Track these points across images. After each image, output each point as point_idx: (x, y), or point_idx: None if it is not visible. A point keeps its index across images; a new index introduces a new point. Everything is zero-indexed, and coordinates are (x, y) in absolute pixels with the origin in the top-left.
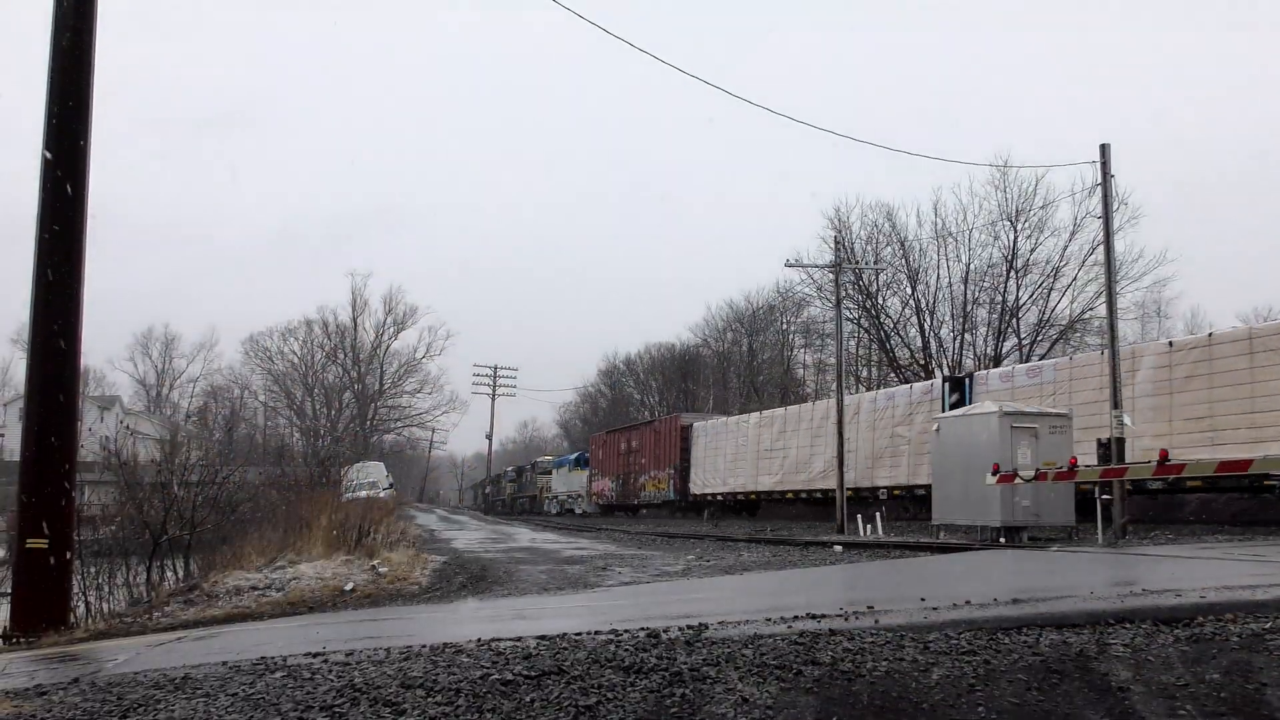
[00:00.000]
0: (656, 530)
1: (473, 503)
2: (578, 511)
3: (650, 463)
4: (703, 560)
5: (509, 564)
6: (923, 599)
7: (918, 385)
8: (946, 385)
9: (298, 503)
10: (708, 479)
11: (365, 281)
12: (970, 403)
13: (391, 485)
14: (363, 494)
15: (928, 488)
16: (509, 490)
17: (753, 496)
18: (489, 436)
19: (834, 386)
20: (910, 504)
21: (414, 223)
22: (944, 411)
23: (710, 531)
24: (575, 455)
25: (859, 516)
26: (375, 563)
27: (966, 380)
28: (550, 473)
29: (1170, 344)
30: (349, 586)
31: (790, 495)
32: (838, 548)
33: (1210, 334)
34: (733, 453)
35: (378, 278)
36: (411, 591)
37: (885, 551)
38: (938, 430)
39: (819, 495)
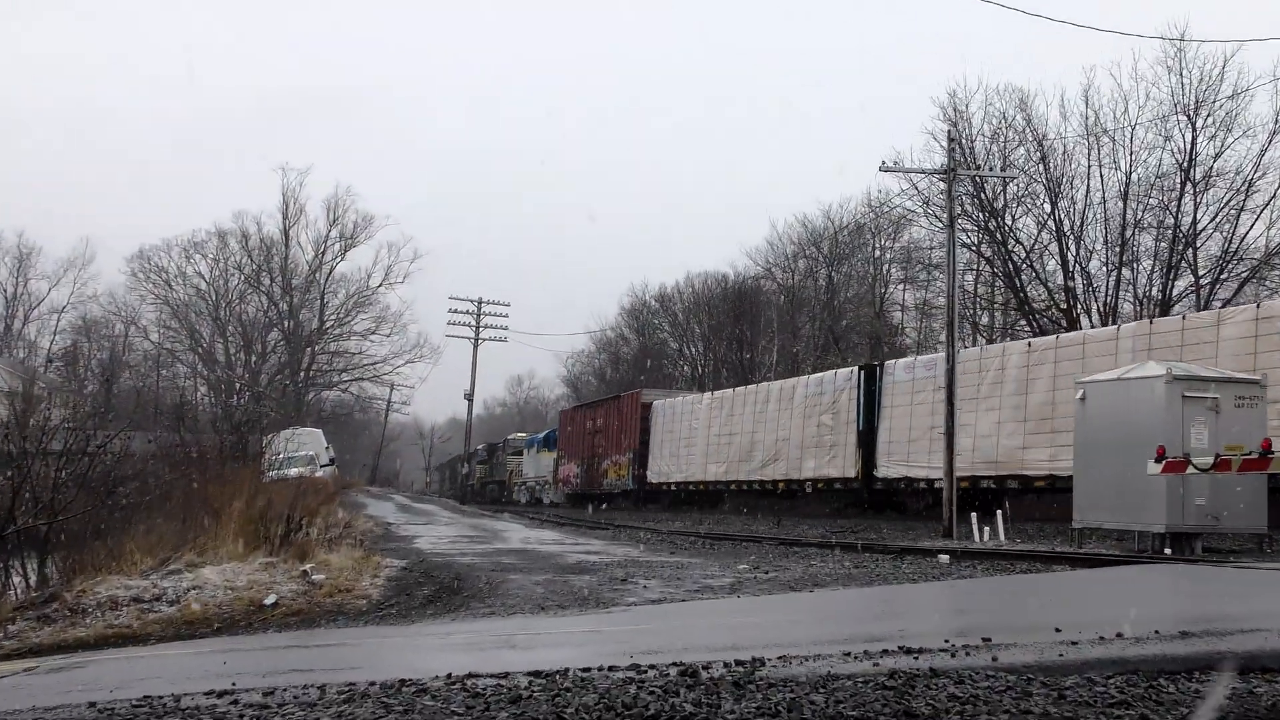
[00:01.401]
0: (695, 529)
1: (443, 486)
2: (545, 501)
3: (613, 445)
4: (759, 571)
5: (493, 572)
6: (1057, 629)
7: (841, 371)
8: (862, 374)
9: (202, 483)
10: (664, 466)
11: (301, 180)
12: (880, 394)
13: (333, 461)
14: (293, 472)
15: (846, 480)
16: (479, 473)
17: (702, 487)
18: (468, 397)
19: (943, 336)
20: (831, 497)
21: (372, 111)
22: (858, 403)
23: (770, 533)
24: (544, 434)
25: (973, 516)
26: (308, 567)
27: (878, 369)
28: (521, 453)
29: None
30: (271, 600)
31: (734, 487)
32: (944, 557)
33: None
34: (686, 437)
35: (319, 176)
36: (358, 608)
37: (1008, 564)
38: (1082, 398)
39: (759, 487)
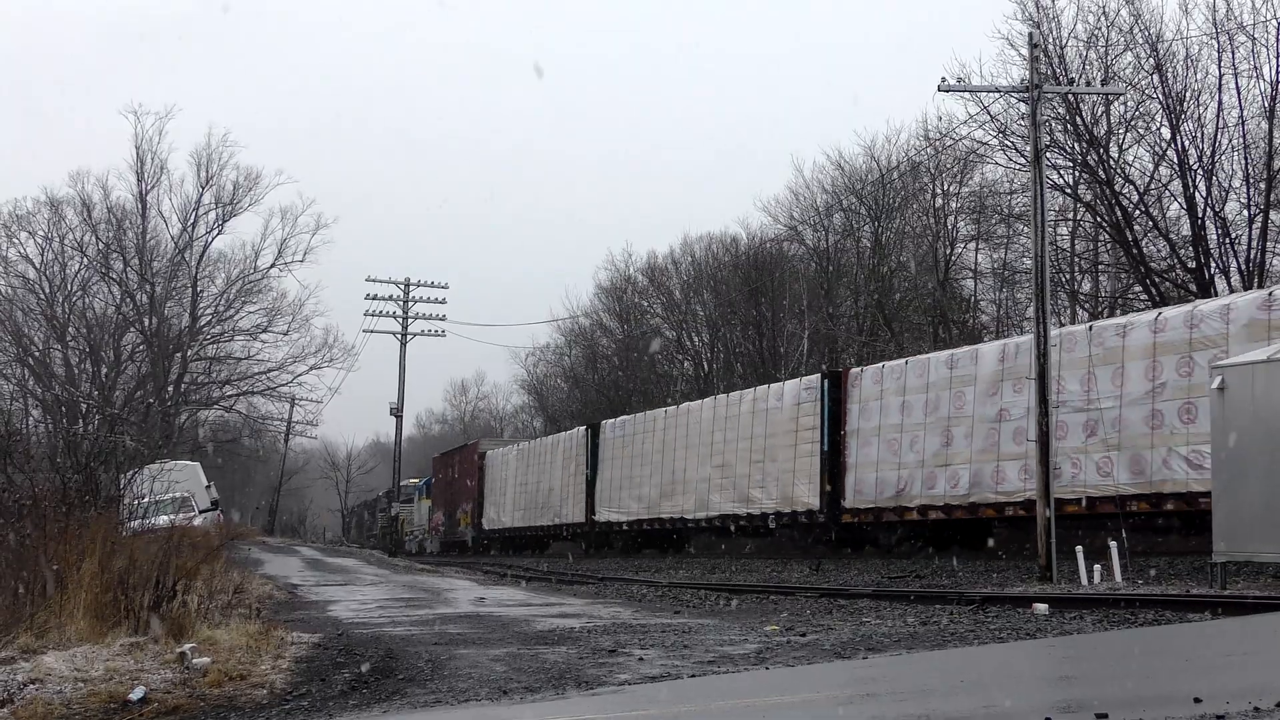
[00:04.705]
0: (702, 580)
1: (355, 532)
2: (428, 550)
3: (463, 494)
4: (793, 633)
5: (437, 645)
6: (1197, 699)
7: (579, 429)
8: (589, 431)
9: (40, 539)
10: (492, 514)
11: (161, 126)
12: (600, 448)
13: (216, 504)
14: (163, 520)
15: (580, 525)
16: (381, 520)
17: (512, 534)
18: (396, 413)
19: (1030, 311)
20: (575, 540)
21: (254, 41)
22: (588, 454)
23: (805, 582)
24: (425, 480)
25: (1079, 551)
26: (188, 648)
27: (599, 426)
28: (412, 500)
29: None
30: (138, 694)
31: (530, 533)
32: (1041, 607)
33: None
34: (502, 486)
35: (186, 121)
36: (256, 700)
37: (1128, 613)
38: (1221, 387)
39: (541, 532)
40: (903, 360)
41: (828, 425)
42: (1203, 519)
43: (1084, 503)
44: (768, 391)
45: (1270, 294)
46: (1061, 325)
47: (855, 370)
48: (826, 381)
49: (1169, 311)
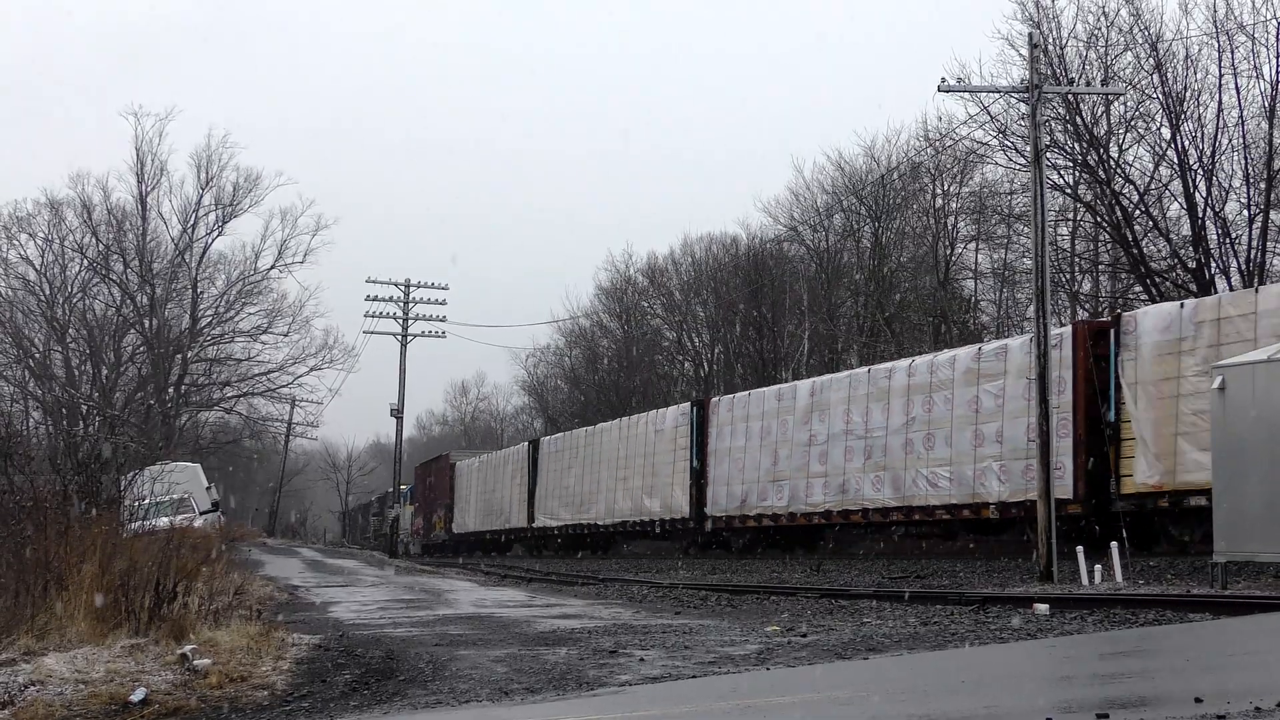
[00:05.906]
0: (704, 580)
1: (356, 534)
2: (411, 551)
3: (438, 501)
4: (794, 634)
5: (438, 646)
6: (1198, 699)
7: (522, 445)
8: (531, 447)
9: (40, 541)
10: (460, 519)
11: (161, 128)
12: (539, 461)
13: (216, 505)
14: (163, 522)
15: (523, 529)
16: (374, 523)
17: (474, 537)
18: (396, 414)
19: (1030, 311)
20: (526, 543)
21: (253, 42)
22: (530, 468)
23: (807, 582)
24: (410, 488)
25: (1079, 551)
26: (188, 649)
27: (540, 442)
28: (401, 504)
29: None
30: (139, 695)
31: (489, 536)
32: (1041, 608)
33: None
34: (466, 495)
35: (186, 123)
36: (257, 701)
37: (1129, 613)
38: (1221, 387)
39: (492, 537)
40: (747, 393)
41: (696, 446)
42: (948, 525)
43: (864, 513)
44: (657, 416)
45: (979, 349)
46: (1062, 324)
47: (715, 399)
48: (695, 409)
49: (918, 360)
